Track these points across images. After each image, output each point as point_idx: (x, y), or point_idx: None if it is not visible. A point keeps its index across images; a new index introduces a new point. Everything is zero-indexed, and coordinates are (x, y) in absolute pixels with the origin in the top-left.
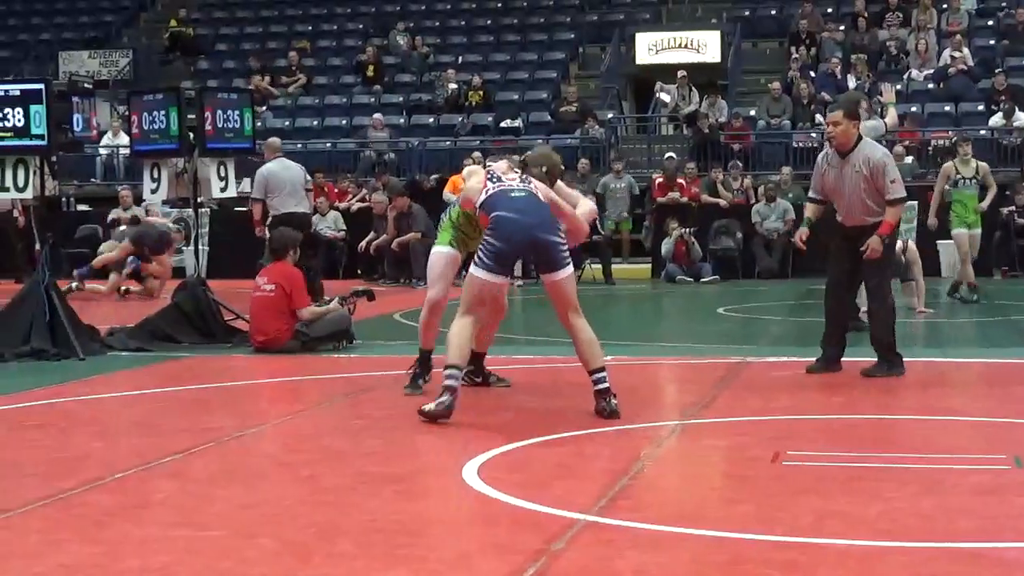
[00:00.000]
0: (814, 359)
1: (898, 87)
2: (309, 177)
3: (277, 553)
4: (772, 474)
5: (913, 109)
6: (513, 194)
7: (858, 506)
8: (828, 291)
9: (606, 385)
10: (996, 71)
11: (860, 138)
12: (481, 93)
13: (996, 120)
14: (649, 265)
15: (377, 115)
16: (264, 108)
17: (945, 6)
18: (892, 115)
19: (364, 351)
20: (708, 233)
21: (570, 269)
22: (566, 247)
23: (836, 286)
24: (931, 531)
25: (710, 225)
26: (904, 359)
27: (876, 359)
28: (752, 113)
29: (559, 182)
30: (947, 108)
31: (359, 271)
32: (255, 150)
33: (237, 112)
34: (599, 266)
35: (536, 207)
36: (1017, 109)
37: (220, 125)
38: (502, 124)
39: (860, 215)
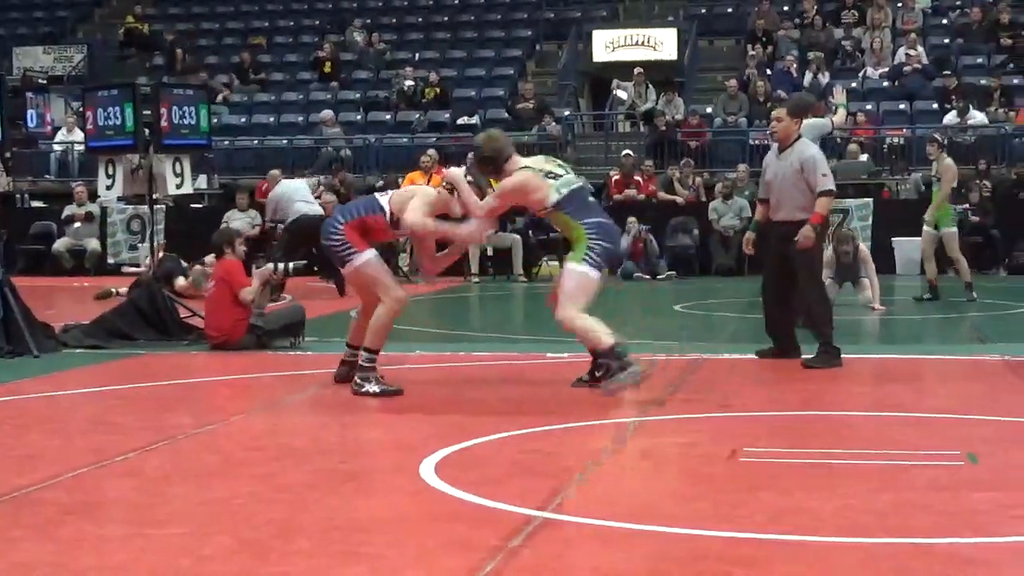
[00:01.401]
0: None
1: (852, 85)
2: (314, 181)
3: (235, 551)
4: (729, 471)
5: (868, 107)
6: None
7: (815, 502)
8: (763, 288)
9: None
10: (947, 71)
11: (799, 137)
12: (438, 90)
13: (950, 118)
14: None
15: (327, 111)
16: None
17: (900, 4)
18: (841, 114)
19: (320, 348)
20: (665, 230)
21: None
22: None
23: (769, 280)
24: (887, 527)
25: (667, 222)
26: (849, 355)
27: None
28: (709, 111)
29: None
30: (902, 106)
31: (315, 268)
32: (211, 146)
33: (193, 108)
34: (556, 263)
35: None
36: (971, 107)
37: (176, 121)
38: (459, 121)
39: (790, 210)
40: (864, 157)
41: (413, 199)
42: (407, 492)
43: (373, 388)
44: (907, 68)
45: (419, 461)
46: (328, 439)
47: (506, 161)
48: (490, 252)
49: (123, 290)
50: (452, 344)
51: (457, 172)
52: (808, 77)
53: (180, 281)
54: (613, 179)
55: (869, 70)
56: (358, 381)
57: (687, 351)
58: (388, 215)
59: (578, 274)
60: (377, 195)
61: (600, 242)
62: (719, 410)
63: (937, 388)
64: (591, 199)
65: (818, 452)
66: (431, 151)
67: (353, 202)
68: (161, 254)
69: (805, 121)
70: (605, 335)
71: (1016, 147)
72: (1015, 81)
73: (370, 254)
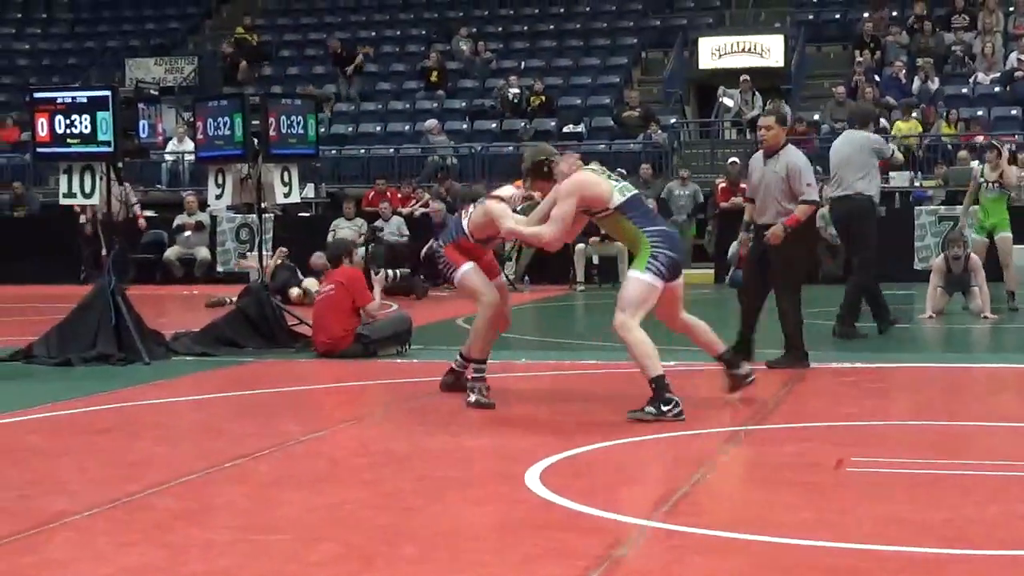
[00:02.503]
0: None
1: (963, 91)
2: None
3: (341, 557)
4: (835, 480)
5: (979, 112)
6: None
7: (921, 513)
8: (744, 286)
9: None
10: None
11: (787, 143)
12: (543, 98)
13: None
14: (712, 270)
15: (433, 120)
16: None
17: (1011, 9)
18: (899, 157)
19: (426, 355)
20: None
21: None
22: None
23: (749, 280)
24: (995, 539)
25: None
26: (960, 364)
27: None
28: (816, 117)
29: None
30: (1013, 112)
31: (423, 276)
32: (318, 155)
33: (301, 118)
34: None
35: None
36: None
37: (284, 131)
38: (564, 129)
39: (773, 214)
40: (975, 164)
41: (492, 211)
42: (512, 500)
43: (471, 398)
44: (1019, 73)
45: (524, 469)
46: (433, 447)
47: (553, 164)
48: (595, 260)
49: (234, 298)
50: (557, 352)
51: (498, 207)
52: (917, 83)
53: (295, 291)
54: (720, 187)
55: (980, 75)
56: (467, 389)
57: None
58: (469, 235)
59: (641, 283)
60: (461, 217)
61: (664, 251)
62: (826, 419)
63: None
64: (652, 206)
65: (925, 462)
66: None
67: (447, 228)
68: (279, 261)
69: (869, 135)
70: (652, 360)
71: None
72: None
73: (467, 267)
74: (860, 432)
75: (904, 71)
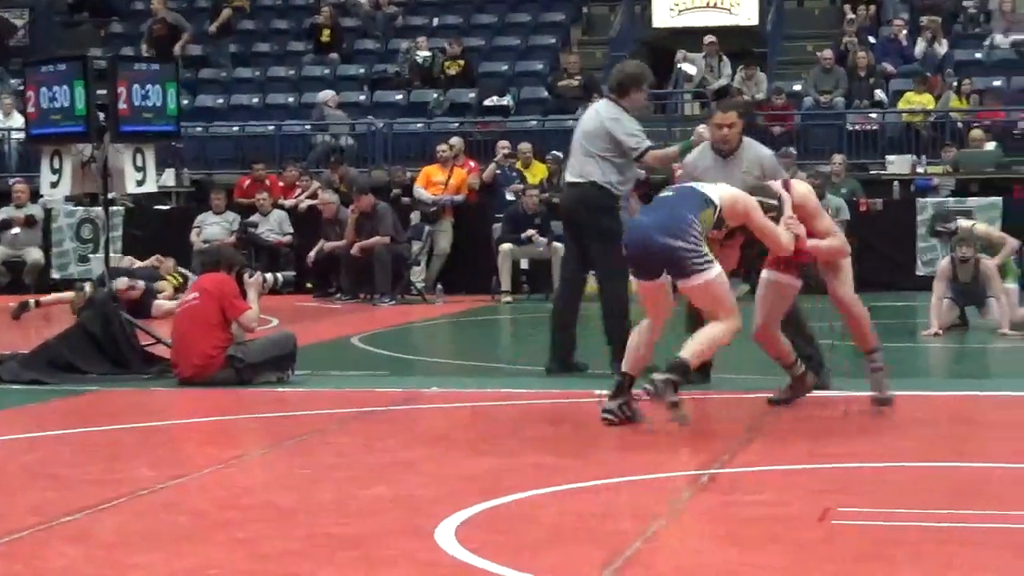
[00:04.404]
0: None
1: (977, 55)
2: None
3: None
4: (821, 537)
5: (996, 83)
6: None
7: None
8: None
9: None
10: None
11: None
12: (461, 64)
13: None
14: None
15: (327, 91)
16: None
17: None
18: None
19: (315, 384)
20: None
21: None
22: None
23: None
24: None
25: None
26: (968, 392)
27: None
28: (797, 88)
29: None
30: None
31: (308, 284)
32: (180, 134)
33: (158, 87)
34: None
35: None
36: None
37: (137, 103)
38: (486, 102)
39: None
40: (991, 145)
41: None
42: (420, 563)
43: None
44: None
45: (436, 524)
46: (323, 496)
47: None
48: (524, 265)
49: (40, 301)
50: (477, 379)
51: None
52: (921, 46)
53: (121, 281)
54: (677, 172)
55: (998, 37)
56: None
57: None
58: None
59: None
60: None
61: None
62: (808, 461)
63: None
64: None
65: (931, 513)
66: (454, 139)
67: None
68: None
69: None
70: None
71: None
72: None
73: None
74: (850, 476)
75: (905, 32)
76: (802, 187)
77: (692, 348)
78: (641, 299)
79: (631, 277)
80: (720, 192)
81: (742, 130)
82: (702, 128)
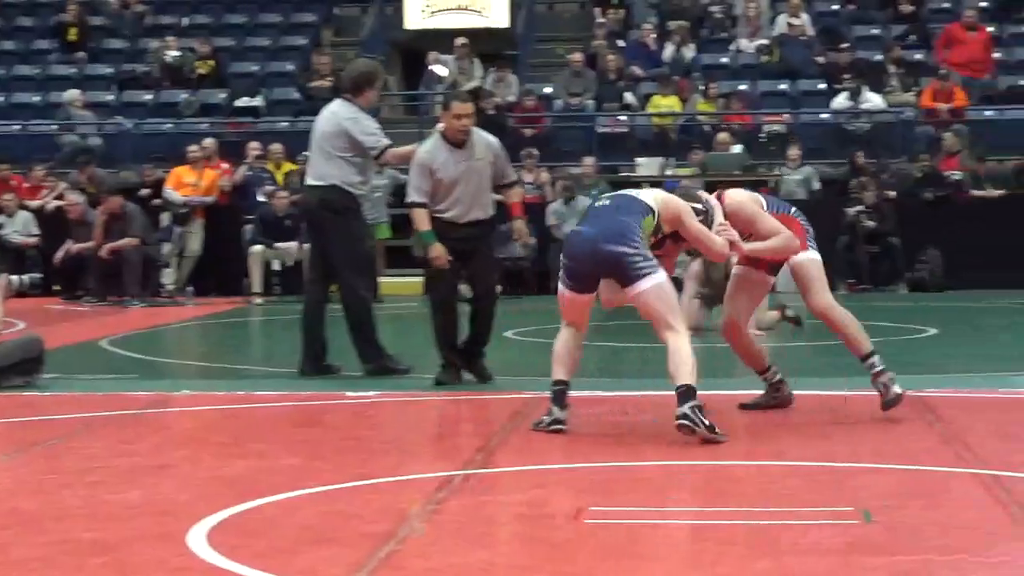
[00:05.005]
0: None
1: (723, 60)
2: None
3: None
4: (574, 535)
5: (742, 87)
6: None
7: (674, 572)
8: (444, 306)
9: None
10: (837, 44)
11: None
12: (211, 63)
13: (841, 101)
14: (422, 279)
15: (74, 91)
16: None
17: None
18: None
19: (64, 387)
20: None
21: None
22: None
23: (452, 295)
24: None
25: (495, 228)
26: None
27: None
28: (548, 91)
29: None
30: (782, 86)
31: (55, 286)
32: None
33: None
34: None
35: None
36: (866, 88)
37: None
38: (237, 103)
39: (482, 208)
40: (738, 148)
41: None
42: (171, 568)
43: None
44: (788, 40)
45: (187, 528)
46: (71, 502)
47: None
48: (276, 266)
49: None
50: (229, 381)
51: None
52: (669, 50)
53: None
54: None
55: (743, 42)
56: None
57: (522, 388)
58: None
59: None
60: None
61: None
62: (563, 461)
63: (825, 431)
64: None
65: (681, 511)
66: (207, 141)
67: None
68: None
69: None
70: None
71: (919, 136)
72: (917, 56)
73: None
74: (603, 475)
75: (654, 36)
76: (737, 195)
77: (682, 371)
78: (566, 311)
79: (563, 289)
80: (655, 196)
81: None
82: (441, 126)
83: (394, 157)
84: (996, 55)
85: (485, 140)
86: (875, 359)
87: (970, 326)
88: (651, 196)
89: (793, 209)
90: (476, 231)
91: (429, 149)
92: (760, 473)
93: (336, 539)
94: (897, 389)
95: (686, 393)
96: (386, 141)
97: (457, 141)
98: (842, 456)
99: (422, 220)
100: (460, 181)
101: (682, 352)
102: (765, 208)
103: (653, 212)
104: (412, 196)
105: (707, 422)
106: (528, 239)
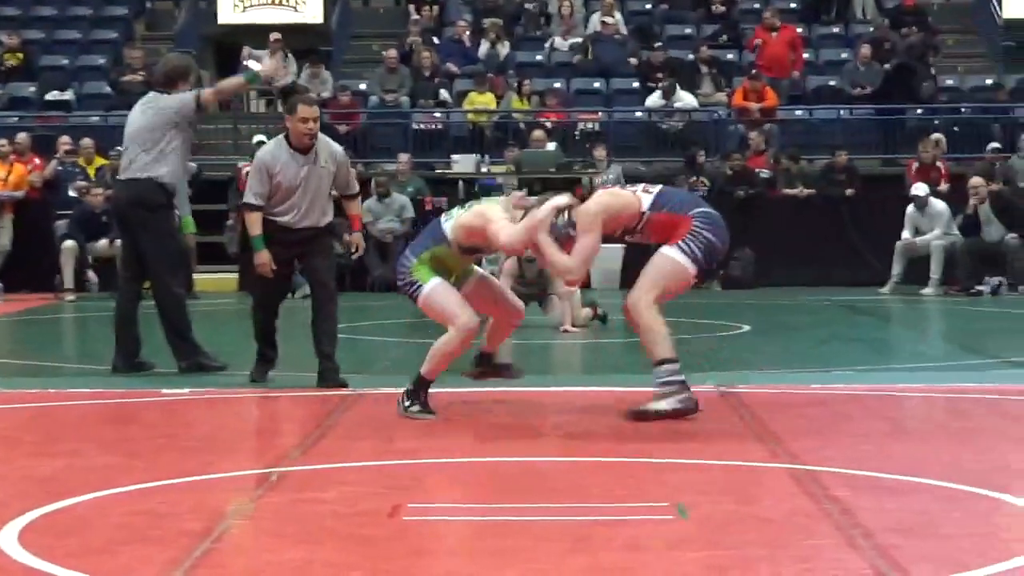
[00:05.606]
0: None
1: (538, 58)
2: None
3: None
4: (392, 532)
5: (556, 85)
6: None
7: (490, 568)
8: (263, 306)
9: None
10: (650, 44)
11: None
12: (19, 56)
13: (654, 100)
14: (236, 275)
15: None
16: None
17: None
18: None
19: None
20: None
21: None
22: None
23: (274, 299)
24: None
25: None
26: (536, 388)
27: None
28: (363, 87)
29: None
30: (596, 84)
31: None
32: None
33: None
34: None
35: None
36: (679, 87)
37: None
38: (48, 96)
39: (317, 216)
40: (552, 146)
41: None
42: None
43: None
44: (602, 39)
45: None
46: None
47: None
48: (90, 260)
49: None
50: (41, 379)
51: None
52: (484, 47)
53: None
54: (244, 171)
55: (557, 40)
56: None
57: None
58: (450, 243)
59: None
60: (441, 220)
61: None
62: (379, 457)
63: (639, 428)
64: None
65: (496, 507)
66: (21, 135)
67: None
68: None
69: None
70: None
71: (731, 135)
72: (729, 56)
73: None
74: (422, 470)
75: (469, 33)
76: (593, 202)
77: (428, 365)
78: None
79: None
80: (454, 224)
81: None
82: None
83: (215, 94)
84: (805, 56)
85: (329, 148)
86: (666, 368)
87: (780, 323)
88: (451, 225)
89: (698, 210)
90: (310, 235)
91: (271, 151)
92: (574, 469)
93: (151, 538)
94: (663, 406)
95: (416, 380)
96: (194, 91)
97: (302, 146)
98: (656, 452)
99: (254, 224)
100: (300, 186)
101: (435, 348)
102: (646, 209)
103: (447, 242)
104: (247, 198)
105: (407, 403)
106: (363, 250)
